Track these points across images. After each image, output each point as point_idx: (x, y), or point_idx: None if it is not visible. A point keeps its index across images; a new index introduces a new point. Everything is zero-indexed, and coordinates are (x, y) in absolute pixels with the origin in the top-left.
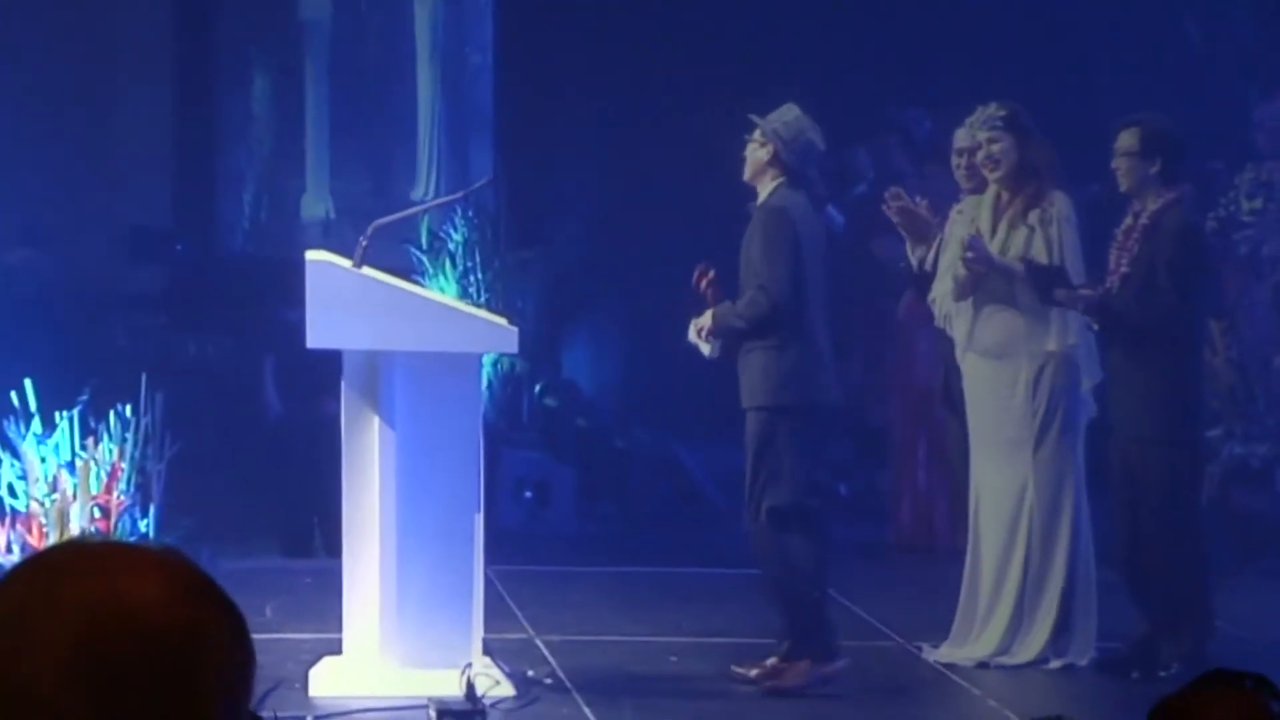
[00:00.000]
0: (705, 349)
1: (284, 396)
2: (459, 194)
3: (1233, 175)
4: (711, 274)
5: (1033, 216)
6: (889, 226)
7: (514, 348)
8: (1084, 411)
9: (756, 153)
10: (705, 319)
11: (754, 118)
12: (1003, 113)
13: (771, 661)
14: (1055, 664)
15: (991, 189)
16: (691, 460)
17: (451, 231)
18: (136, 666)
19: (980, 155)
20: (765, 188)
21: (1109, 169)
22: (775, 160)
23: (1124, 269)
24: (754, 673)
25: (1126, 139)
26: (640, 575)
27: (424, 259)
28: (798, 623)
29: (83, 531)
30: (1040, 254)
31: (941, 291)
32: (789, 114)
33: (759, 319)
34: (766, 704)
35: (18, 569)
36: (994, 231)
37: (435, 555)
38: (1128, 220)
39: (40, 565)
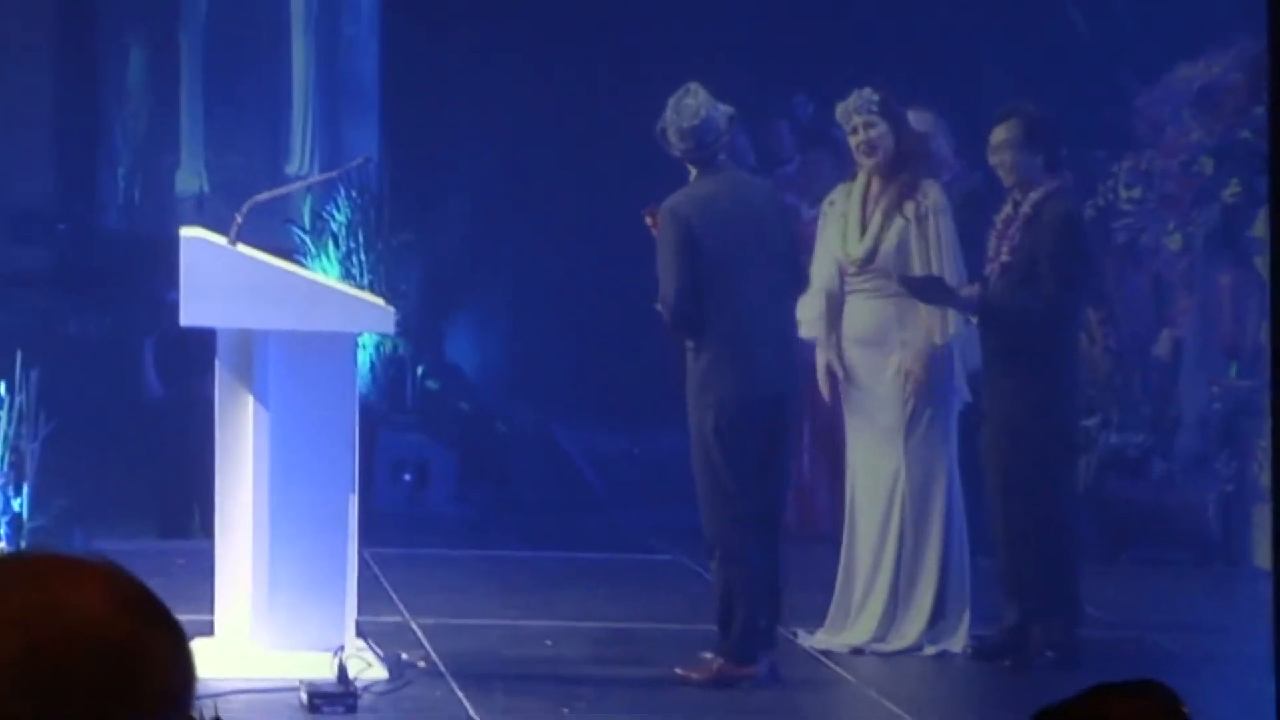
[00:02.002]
0: None
1: (164, 376)
2: (334, 172)
3: (1112, 164)
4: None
5: (908, 209)
6: None
7: (390, 328)
8: (957, 399)
9: (673, 150)
10: None
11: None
12: (877, 97)
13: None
14: (930, 650)
15: (862, 177)
16: (572, 444)
17: (334, 212)
18: (81, 679)
19: (856, 140)
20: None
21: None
22: (683, 154)
23: (1004, 258)
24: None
25: (1006, 131)
26: (517, 559)
27: (307, 239)
28: (720, 618)
29: None
30: (914, 249)
31: (811, 313)
32: (675, 99)
33: (670, 327)
34: (637, 689)
35: None
36: (865, 223)
37: (308, 537)
38: (1007, 209)
39: None
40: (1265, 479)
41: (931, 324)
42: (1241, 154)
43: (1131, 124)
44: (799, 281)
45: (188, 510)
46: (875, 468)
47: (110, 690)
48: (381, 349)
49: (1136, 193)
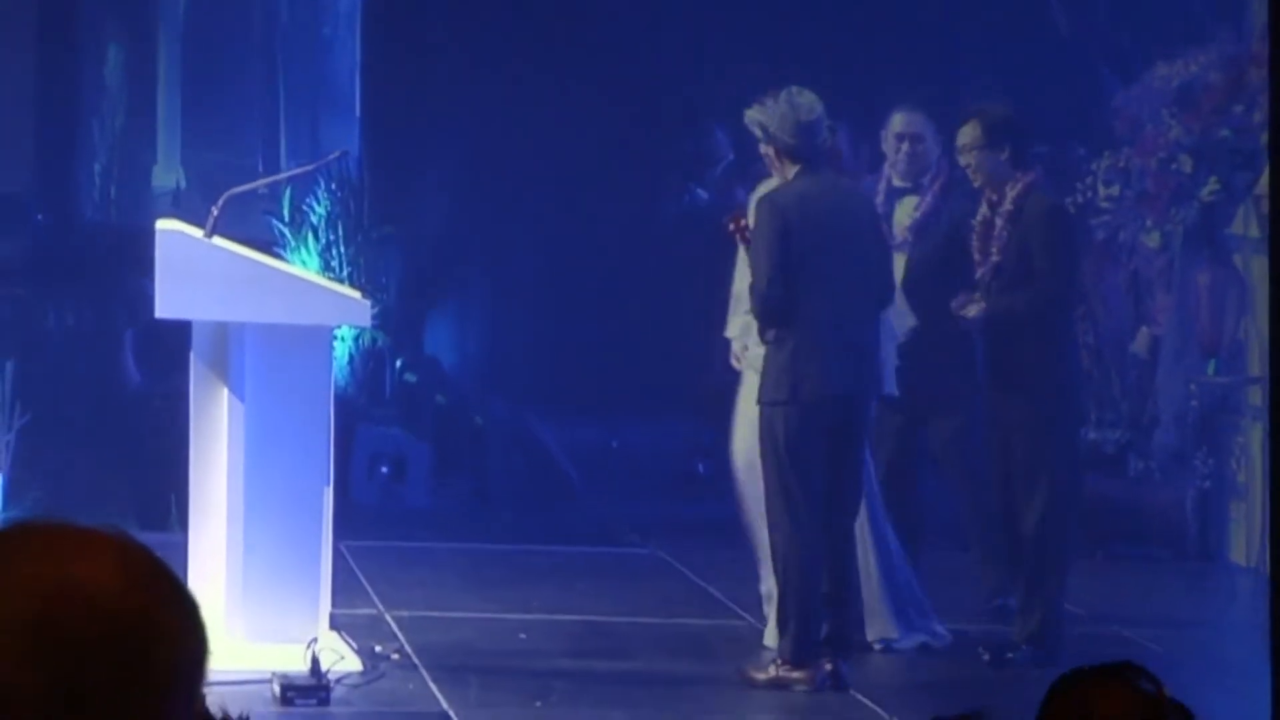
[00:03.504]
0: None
1: (142, 368)
2: (311, 165)
3: (1091, 161)
4: (743, 221)
5: None
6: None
7: (366, 321)
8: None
9: (766, 153)
10: None
11: (746, 114)
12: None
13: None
14: (906, 643)
15: None
16: (550, 437)
17: (314, 204)
18: (92, 650)
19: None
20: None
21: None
22: (780, 155)
23: (995, 258)
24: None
25: (969, 132)
26: (493, 552)
27: (286, 232)
28: (780, 618)
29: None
30: None
31: (741, 329)
32: (769, 101)
33: (757, 315)
34: (611, 683)
35: None
36: None
37: (283, 529)
38: (984, 210)
39: None
40: (1242, 476)
41: None
42: (1220, 152)
43: (1110, 122)
44: (886, 293)
45: (164, 502)
46: None
47: (122, 662)
48: (360, 341)
49: (1115, 190)
